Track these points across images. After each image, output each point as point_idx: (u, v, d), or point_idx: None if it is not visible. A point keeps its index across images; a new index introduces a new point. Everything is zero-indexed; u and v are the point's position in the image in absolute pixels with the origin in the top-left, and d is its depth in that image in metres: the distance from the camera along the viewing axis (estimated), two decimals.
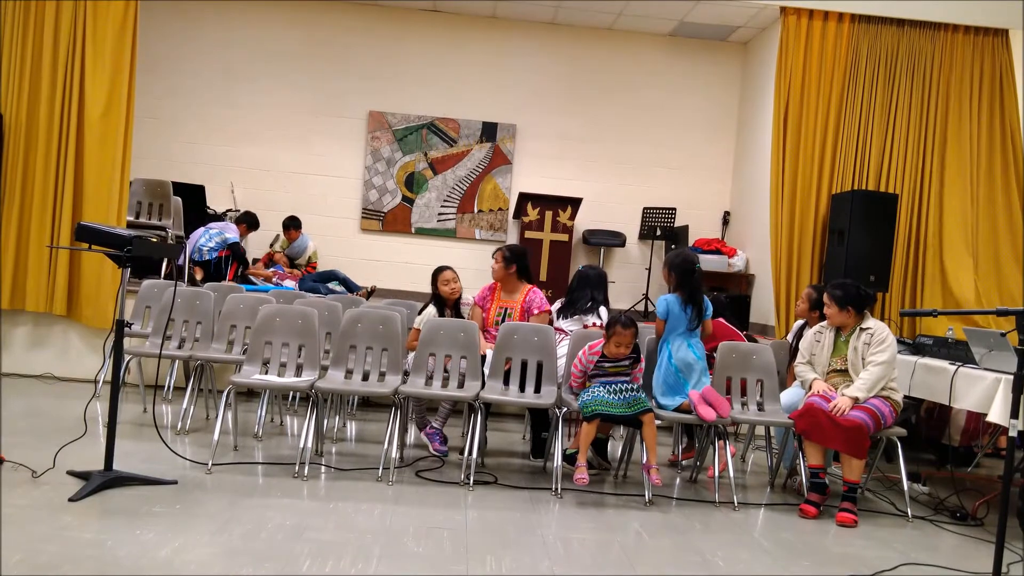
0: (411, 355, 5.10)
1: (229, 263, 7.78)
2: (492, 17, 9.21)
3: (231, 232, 7.79)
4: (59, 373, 6.77)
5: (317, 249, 8.73)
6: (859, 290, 4.81)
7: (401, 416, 4.78)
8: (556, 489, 4.54)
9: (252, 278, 7.86)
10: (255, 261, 8.46)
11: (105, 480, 3.92)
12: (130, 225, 7.10)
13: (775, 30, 7.92)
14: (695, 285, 4.95)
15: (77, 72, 6.68)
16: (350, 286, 8.05)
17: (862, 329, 4.73)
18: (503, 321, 5.35)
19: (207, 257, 7.54)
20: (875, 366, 4.59)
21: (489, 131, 9.33)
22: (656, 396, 4.84)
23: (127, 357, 4.89)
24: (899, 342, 5.06)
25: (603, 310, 5.50)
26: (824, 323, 4.92)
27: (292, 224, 8.58)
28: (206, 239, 7.58)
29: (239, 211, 8.55)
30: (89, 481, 3.89)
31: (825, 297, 4.85)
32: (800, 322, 5.60)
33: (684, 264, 5.00)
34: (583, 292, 5.52)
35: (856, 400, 4.53)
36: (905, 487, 4.74)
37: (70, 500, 3.72)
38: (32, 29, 6.67)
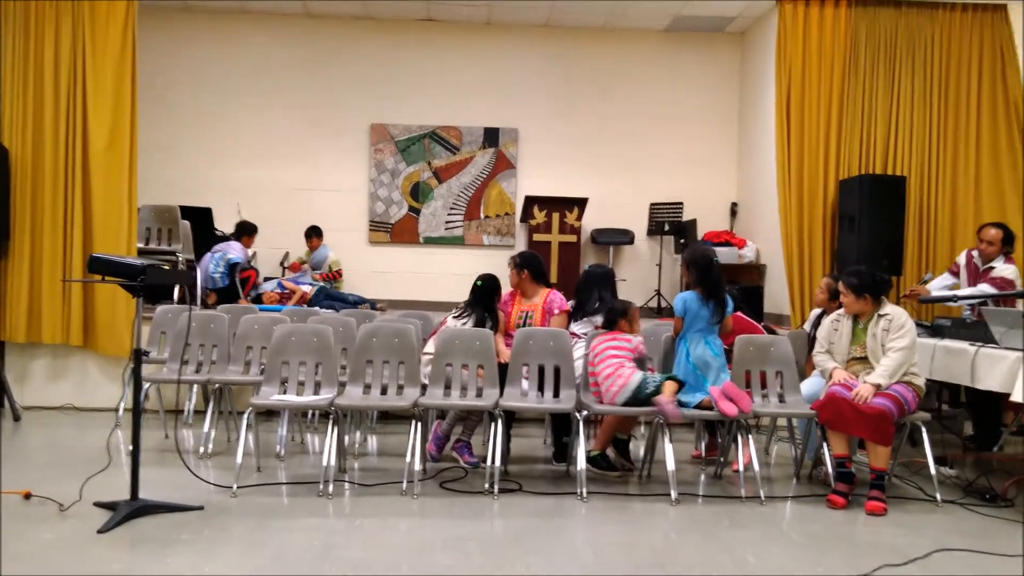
0: (428, 367, 5.10)
1: (244, 282, 7.80)
2: (487, 23, 9.21)
3: (233, 252, 7.78)
4: (79, 404, 6.79)
5: (338, 258, 8.75)
6: (874, 277, 4.77)
7: (422, 429, 4.78)
8: (581, 493, 4.52)
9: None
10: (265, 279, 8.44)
11: (132, 510, 3.93)
12: (141, 252, 7.13)
13: (772, 19, 7.89)
14: (714, 280, 4.93)
15: (79, 105, 6.72)
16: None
17: (880, 315, 4.70)
18: (524, 324, 5.35)
19: (220, 284, 7.59)
20: (896, 352, 4.56)
21: (491, 137, 9.33)
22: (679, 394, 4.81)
23: (146, 384, 4.89)
24: (917, 325, 5.02)
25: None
26: (841, 311, 4.89)
27: (313, 232, 8.66)
28: (214, 266, 7.60)
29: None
30: (116, 511, 3.90)
31: (840, 286, 4.82)
32: (817, 311, 5.57)
33: (701, 259, 5.00)
34: (590, 293, 5.45)
35: (878, 387, 4.50)
36: (932, 471, 4.70)
37: (99, 532, 3.73)
38: (32, 63, 6.70)
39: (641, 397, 4.63)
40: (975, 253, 6.00)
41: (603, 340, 4.86)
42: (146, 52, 7.87)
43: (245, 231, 8.24)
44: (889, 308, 4.73)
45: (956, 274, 6.19)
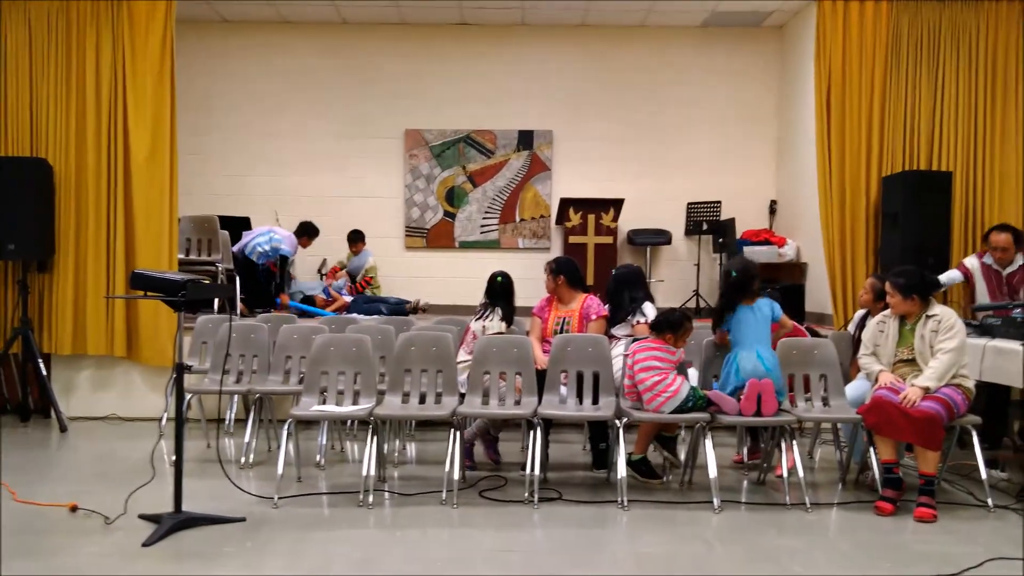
0: (466, 373, 5.09)
1: (278, 286, 7.88)
2: (521, 24, 9.18)
3: (287, 246, 7.88)
4: (123, 414, 6.89)
5: (376, 265, 8.75)
6: (923, 277, 4.67)
7: (462, 438, 4.76)
8: (622, 501, 4.47)
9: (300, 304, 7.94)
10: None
11: (176, 522, 3.97)
12: (181, 263, 7.21)
13: (811, 11, 7.74)
14: (754, 292, 4.90)
15: (120, 118, 6.82)
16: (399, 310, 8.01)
17: (928, 316, 4.58)
18: (561, 331, 5.31)
19: (256, 261, 7.69)
20: (945, 354, 4.44)
21: (525, 139, 9.30)
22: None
23: (187, 395, 4.95)
24: (966, 324, 4.89)
25: (648, 306, 5.30)
26: (886, 312, 4.78)
27: (356, 237, 8.71)
28: (264, 240, 7.68)
29: None
30: (160, 524, 3.94)
31: (887, 286, 4.71)
32: (862, 312, 5.46)
33: (745, 273, 4.94)
34: (620, 296, 5.38)
35: (927, 390, 4.39)
36: (983, 475, 4.57)
37: (143, 545, 3.77)
38: (74, 80, 6.82)
39: (685, 408, 4.58)
40: (989, 261, 5.86)
41: (646, 348, 4.74)
42: (184, 65, 7.97)
43: (307, 232, 8.33)
44: (938, 309, 4.62)
45: (966, 275, 6.02)
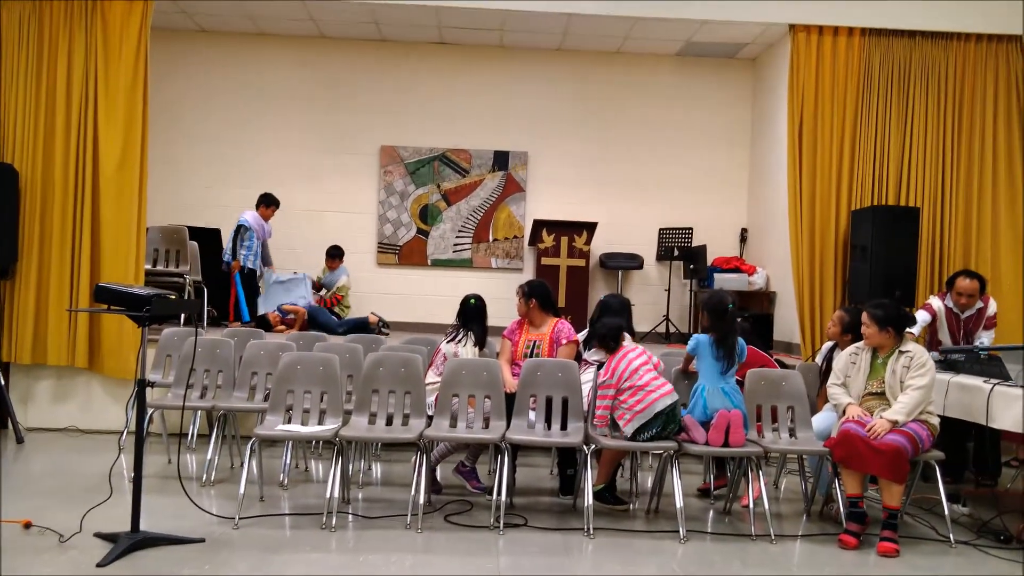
0: (434, 395, 5.04)
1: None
2: (499, 46, 9.21)
3: (245, 216, 7.99)
4: (83, 426, 6.75)
5: (349, 285, 8.64)
6: (899, 311, 4.71)
7: (427, 461, 4.72)
8: (588, 529, 4.45)
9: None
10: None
11: (132, 542, 3.87)
12: (148, 274, 7.10)
13: (784, 45, 7.86)
14: (727, 327, 4.84)
15: (91, 125, 6.72)
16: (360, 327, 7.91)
17: (901, 352, 4.61)
18: (531, 354, 5.29)
19: (252, 266, 7.88)
20: (915, 390, 4.48)
21: (501, 160, 9.31)
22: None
23: (149, 410, 4.85)
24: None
25: (627, 336, 5.36)
26: (860, 344, 4.81)
27: (334, 253, 8.64)
28: (244, 249, 7.86)
29: None
30: (116, 544, 3.84)
31: (864, 317, 4.71)
32: (829, 344, 5.49)
33: (717, 305, 4.91)
34: (601, 321, 5.39)
35: (895, 423, 4.42)
36: (946, 511, 4.61)
37: (98, 565, 3.68)
38: (44, 84, 6.72)
39: (668, 420, 4.59)
40: (950, 304, 5.94)
41: (640, 353, 4.77)
42: (158, 74, 7.91)
43: (263, 201, 8.20)
44: (911, 345, 4.67)
45: (932, 316, 6.11)
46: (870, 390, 4.71)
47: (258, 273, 8.08)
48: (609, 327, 4.88)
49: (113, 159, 6.70)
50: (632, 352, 4.77)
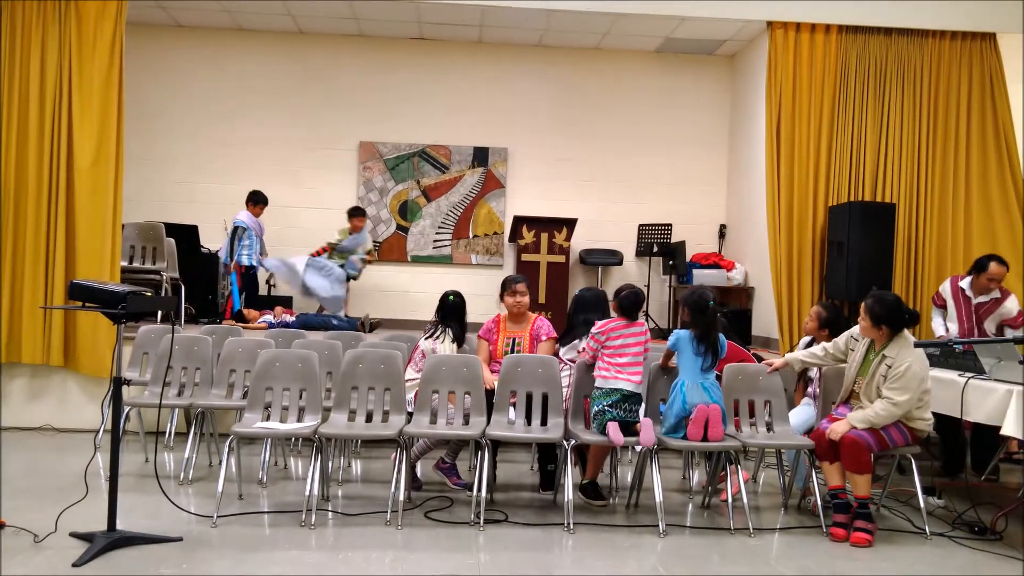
0: (414, 392, 5.03)
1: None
2: (478, 42, 9.20)
3: (239, 217, 8.10)
4: (58, 424, 6.68)
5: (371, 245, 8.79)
6: (900, 310, 4.56)
7: (407, 458, 4.71)
8: (568, 524, 4.46)
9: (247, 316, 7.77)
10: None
11: (109, 542, 3.83)
12: (124, 271, 7.03)
13: (762, 42, 7.90)
14: (709, 323, 4.82)
15: (64, 122, 6.64)
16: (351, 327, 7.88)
17: (885, 356, 4.54)
18: (512, 351, 5.28)
19: (252, 263, 7.97)
20: (890, 404, 4.42)
21: (481, 156, 9.30)
22: (664, 431, 4.74)
23: (126, 408, 4.80)
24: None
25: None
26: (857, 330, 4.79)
27: (356, 212, 8.57)
28: (241, 249, 7.94)
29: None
30: (93, 544, 3.81)
31: (862, 308, 4.64)
32: (807, 339, 5.53)
33: (698, 301, 4.87)
34: (579, 317, 5.40)
35: (852, 427, 4.45)
36: (921, 503, 4.66)
37: (74, 565, 3.64)
38: (18, 79, 6.63)
39: (626, 408, 4.66)
40: (964, 285, 5.99)
41: (635, 335, 4.80)
42: (134, 69, 7.84)
43: (252, 199, 8.20)
44: (895, 351, 4.52)
45: (942, 306, 6.18)
46: (856, 388, 4.71)
47: (257, 267, 8.17)
48: (632, 298, 4.88)
49: (88, 155, 6.62)
50: (635, 328, 4.80)
